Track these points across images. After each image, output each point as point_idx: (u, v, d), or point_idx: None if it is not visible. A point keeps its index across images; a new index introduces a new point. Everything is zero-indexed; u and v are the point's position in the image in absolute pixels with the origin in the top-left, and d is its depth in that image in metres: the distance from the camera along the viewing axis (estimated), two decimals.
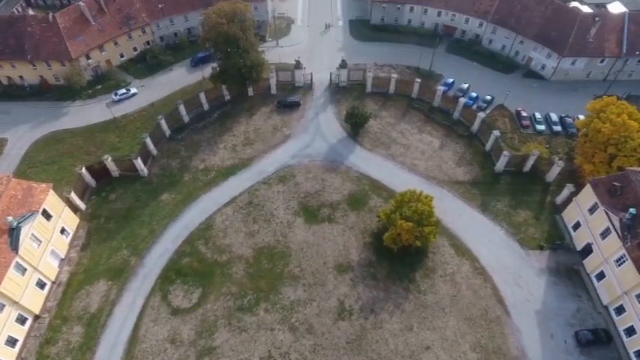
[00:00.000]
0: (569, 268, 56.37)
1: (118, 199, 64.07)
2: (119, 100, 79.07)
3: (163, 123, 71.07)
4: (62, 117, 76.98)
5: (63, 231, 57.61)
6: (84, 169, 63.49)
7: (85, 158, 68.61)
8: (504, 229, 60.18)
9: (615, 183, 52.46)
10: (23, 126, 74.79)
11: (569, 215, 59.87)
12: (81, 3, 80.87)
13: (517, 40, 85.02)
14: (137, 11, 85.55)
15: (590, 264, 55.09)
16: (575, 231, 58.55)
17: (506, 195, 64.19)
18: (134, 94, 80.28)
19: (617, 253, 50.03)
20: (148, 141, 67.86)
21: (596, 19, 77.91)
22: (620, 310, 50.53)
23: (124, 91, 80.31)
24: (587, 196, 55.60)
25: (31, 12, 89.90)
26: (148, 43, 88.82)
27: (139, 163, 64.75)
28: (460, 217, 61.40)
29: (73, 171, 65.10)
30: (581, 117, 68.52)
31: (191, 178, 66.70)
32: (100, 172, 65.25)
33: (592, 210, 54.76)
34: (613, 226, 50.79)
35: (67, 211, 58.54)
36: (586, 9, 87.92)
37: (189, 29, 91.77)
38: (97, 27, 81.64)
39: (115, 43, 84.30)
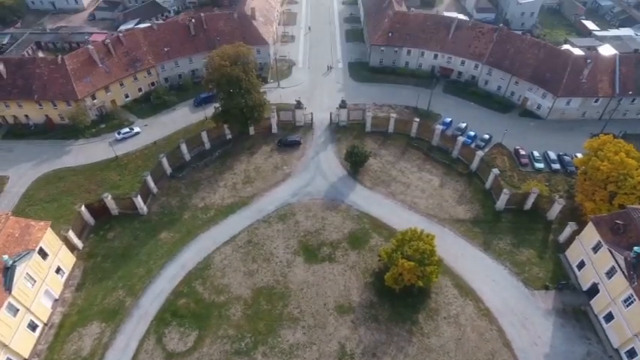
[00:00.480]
0: (576, 309, 54.81)
1: (116, 237, 63.41)
2: (122, 139, 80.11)
3: (165, 161, 71.62)
4: (65, 155, 77.71)
5: (58, 270, 56.57)
6: (83, 207, 63.28)
7: (85, 196, 68.57)
8: (508, 269, 59.07)
9: (617, 221, 52.06)
10: (25, 164, 75.34)
11: (573, 254, 58.96)
12: (90, 46, 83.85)
13: (512, 81, 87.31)
14: (143, 54, 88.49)
15: (598, 305, 53.60)
16: (580, 270, 57.43)
17: (509, 233, 63.53)
18: (137, 133, 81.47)
19: (625, 293, 48.81)
20: (149, 179, 68.10)
21: (588, 61, 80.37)
22: (631, 353, 48.62)
23: (127, 130, 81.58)
24: (590, 234, 55.00)
25: (40, 54, 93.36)
26: (152, 84, 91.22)
27: (138, 201, 64.63)
28: (462, 256, 60.46)
29: (73, 209, 64.84)
30: (579, 155, 69.05)
31: (190, 216, 66.34)
32: (99, 210, 65.01)
33: (596, 249, 53.99)
34: (618, 265, 49.87)
35: (64, 249, 57.77)
36: (577, 51, 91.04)
37: (193, 71, 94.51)
38: (104, 69, 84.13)
39: (121, 84, 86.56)
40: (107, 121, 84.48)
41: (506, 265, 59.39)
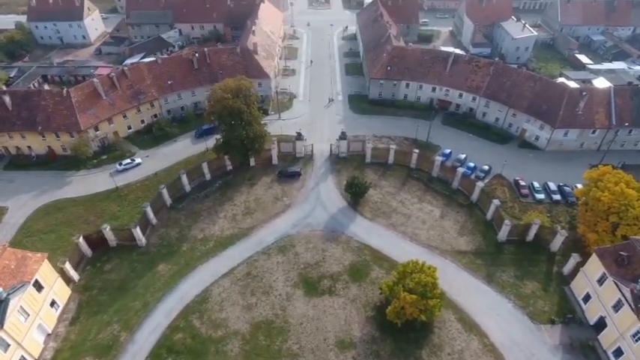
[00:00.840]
0: (583, 344, 53.20)
1: (114, 269, 62.46)
2: (123, 170, 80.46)
3: (165, 192, 71.60)
4: (65, 186, 77.82)
5: (53, 303, 55.37)
6: (81, 239, 62.69)
7: (84, 227, 68.11)
8: (512, 302, 57.80)
9: (622, 252, 51.40)
10: (25, 195, 75.32)
11: (578, 286, 57.84)
12: (95, 79, 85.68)
13: (510, 113, 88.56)
14: (147, 87, 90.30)
15: (606, 339, 52.08)
16: (586, 303, 56.18)
17: (511, 265, 62.59)
18: (138, 164, 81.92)
19: (633, 327, 47.54)
20: (149, 210, 67.86)
21: (584, 93, 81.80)
22: None
23: (128, 161, 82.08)
24: (595, 266, 54.18)
25: (46, 87, 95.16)
26: (155, 115, 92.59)
27: (137, 232, 64.11)
28: (465, 288, 59.30)
29: (71, 240, 64.27)
30: (579, 186, 69.08)
31: (189, 248, 65.61)
32: (97, 241, 64.39)
33: (601, 281, 53.03)
34: (625, 298, 48.83)
35: (60, 282, 56.75)
36: (573, 84, 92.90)
37: (196, 103, 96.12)
38: (108, 101, 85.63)
39: (124, 116, 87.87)
40: (109, 152, 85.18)
41: (511, 299, 58.16)
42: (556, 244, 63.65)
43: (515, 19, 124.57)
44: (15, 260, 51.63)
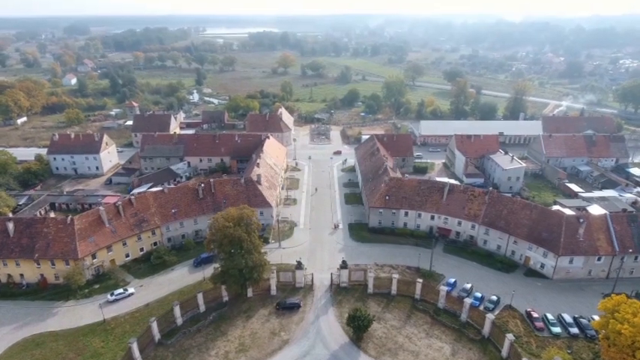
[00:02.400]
0: None
1: None
2: (114, 301, 76.89)
3: (154, 326, 67.05)
4: (50, 318, 73.41)
5: None
6: None
7: None
8: None
9: None
10: (5, 327, 70.61)
11: None
12: (101, 207, 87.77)
13: (511, 241, 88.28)
14: (151, 215, 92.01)
15: None
16: None
17: None
18: (130, 295, 78.62)
19: None
20: (134, 347, 62.55)
21: (581, 220, 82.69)
22: None
23: (120, 291, 78.98)
24: None
25: (52, 215, 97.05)
26: (155, 243, 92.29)
27: None
28: None
29: None
30: (596, 317, 64.95)
31: None
32: None
33: None
34: None
35: None
36: (568, 211, 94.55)
37: (197, 231, 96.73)
38: (110, 229, 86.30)
39: (124, 244, 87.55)
40: (102, 281, 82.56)
41: None
42: None
43: (502, 152, 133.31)
44: None
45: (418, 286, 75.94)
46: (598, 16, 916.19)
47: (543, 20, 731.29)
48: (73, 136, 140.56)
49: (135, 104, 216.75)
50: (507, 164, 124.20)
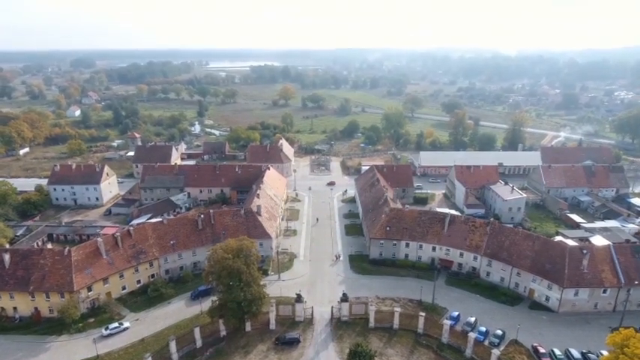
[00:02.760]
0: None
1: None
2: (109, 335, 74.77)
3: None
4: (42, 353, 71.22)
5: None
6: None
7: None
8: None
9: None
10: None
11: None
12: (99, 239, 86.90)
13: (514, 272, 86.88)
14: (149, 246, 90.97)
15: None
16: None
17: None
18: (126, 329, 76.55)
19: None
20: None
21: (584, 251, 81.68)
22: None
23: (115, 325, 76.96)
24: None
25: (49, 246, 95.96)
26: (152, 275, 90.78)
27: None
28: None
29: None
30: (605, 352, 63.04)
31: None
32: None
33: None
34: None
35: None
36: (571, 242, 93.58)
37: (195, 263, 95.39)
38: (107, 260, 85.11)
39: (121, 276, 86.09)
40: (97, 315, 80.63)
41: None
42: None
43: (502, 182, 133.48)
44: None
45: (421, 320, 74.07)
46: (590, 50, 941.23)
47: (537, 54, 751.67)
48: (74, 166, 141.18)
49: (137, 135, 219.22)
50: (508, 195, 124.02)
